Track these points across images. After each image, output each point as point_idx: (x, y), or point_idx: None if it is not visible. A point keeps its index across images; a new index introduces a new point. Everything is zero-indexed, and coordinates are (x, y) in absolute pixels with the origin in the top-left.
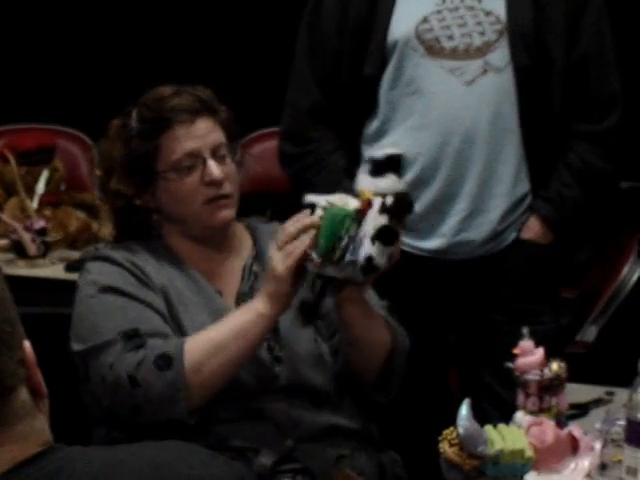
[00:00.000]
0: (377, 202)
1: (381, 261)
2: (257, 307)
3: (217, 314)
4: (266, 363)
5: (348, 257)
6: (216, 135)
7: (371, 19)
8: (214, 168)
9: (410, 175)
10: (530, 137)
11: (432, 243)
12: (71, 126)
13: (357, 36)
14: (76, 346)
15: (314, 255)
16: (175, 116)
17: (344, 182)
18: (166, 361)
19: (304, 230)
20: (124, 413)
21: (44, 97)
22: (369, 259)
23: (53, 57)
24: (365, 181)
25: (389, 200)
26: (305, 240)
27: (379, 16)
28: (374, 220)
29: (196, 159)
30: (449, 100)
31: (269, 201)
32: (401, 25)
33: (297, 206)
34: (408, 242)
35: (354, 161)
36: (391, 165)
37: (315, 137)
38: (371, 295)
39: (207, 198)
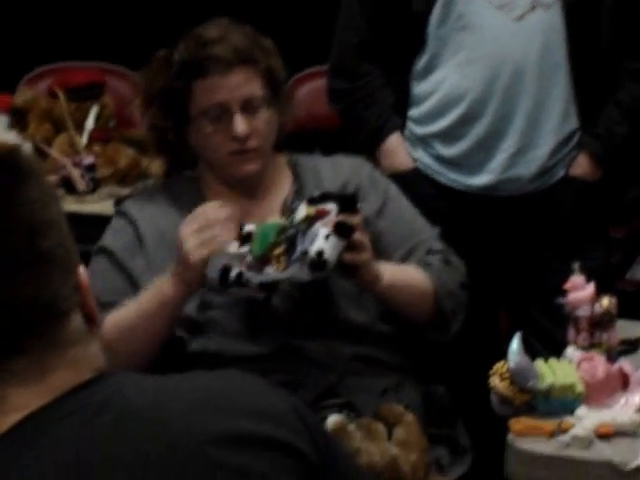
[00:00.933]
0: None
1: (332, 256)
2: (163, 291)
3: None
4: (298, 298)
5: (296, 254)
6: (250, 87)
7: None
8: (239, 124)
9: (458, 111)
10: (579, 74)
11: (481, 179)
12: (120, 64)
13: None
14: None
15: (249, 257)
16: (210, 65)
17: (393, 119)
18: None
19: (223, 221)
20: None
21: (94, 35)
22: (319, 253)
23: None
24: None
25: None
26: (223, 232)
27: None
28: (326, 222)
29: (224, 111)
30: (498, 36)
31: (317, 139)
32: None
33: (345, 143)
34: (456, 179)
35: (403, 98)
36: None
37: (364, 72)
38: (418, 228)
39: (231, 151)
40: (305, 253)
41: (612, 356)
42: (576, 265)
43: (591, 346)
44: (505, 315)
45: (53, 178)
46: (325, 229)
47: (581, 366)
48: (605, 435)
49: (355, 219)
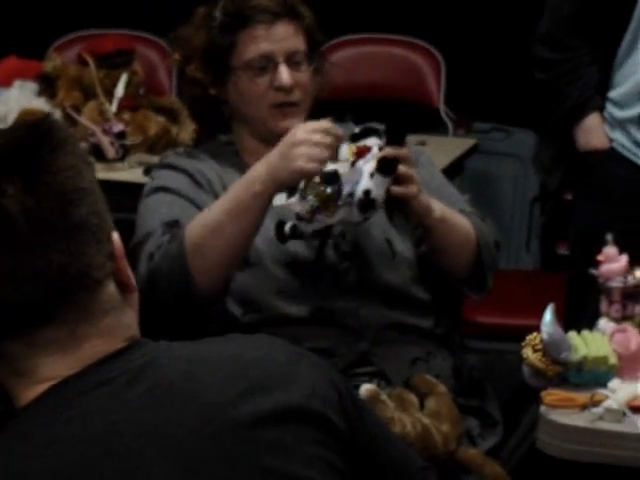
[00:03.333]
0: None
1: (379, 194)
2: (252, 186)
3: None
4: (333, 260)
5: (343, 195)
6: (294, 41)
7: None
8: (284, 74)
9: None
10: None
11: None
12: (149, 32)
13: None
14: (130, 246)
15: (298, 207)
16: (255, 15)
17: (595, 98)
18: (173, 237)
19: (335, 139)
20: (144, 291)
21: (123, 2)
22: (367, 192)
23: None
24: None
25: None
26: (329, 150)
27: None
28: (369, 159)
29: (269, 62)
30: None
31: (349, 108)
32: None
33: (382, 114)
34: None
35: (605, 79)
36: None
37: (573, 46)
38: (449, 192)
39: (274, 103)
40: (352, 195)
41: None
42: (609, 236)
43: (624, 318)
44: None
45: (82, 145)
46: (369, 167)
47: (614, 338)
48: (638, 408)
49: (398, 151)
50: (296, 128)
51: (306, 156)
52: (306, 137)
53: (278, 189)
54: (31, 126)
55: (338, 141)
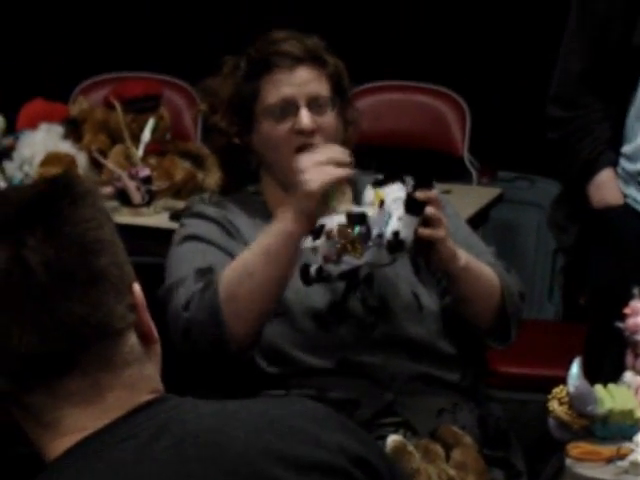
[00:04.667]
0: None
1: (408, 235)
2: (284, 227)
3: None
4: (360, 313)
5: (372, 238)
6: (317, 86)
7: None
8: (305, 117)
9: None
10: None
11: None
12: (177, 77)
13: (626, 5)
14: (160, 292)
15: (325, 248)
16: (277, 60)
17: (608, 153)
18: (207, 285)
19: (343, 165)
20: (178, 341)
21: (151, 47)
22: (396, 233)
23: (162, 6)
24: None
25: (409, 181)
26: (342, 171)
27: None
28: (395, 200)
29: (291, 106)
30: None
31: (374, 154)
32: None
33: (407, 162)
34: None
35: (618, 134)
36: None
37: (584, 103)
38: (474, 243)
39: (296, 146)
40: (381, 236)
41: None
42: (636, 290)
43: None
44: None
45: (109, 190)
46: (397, 208)
47: None
48: None
49: (427, 193)
50: (300, 158)
51: (311, 177)
52: (306, 162)
53: (308, 223)
54: (51, 180)
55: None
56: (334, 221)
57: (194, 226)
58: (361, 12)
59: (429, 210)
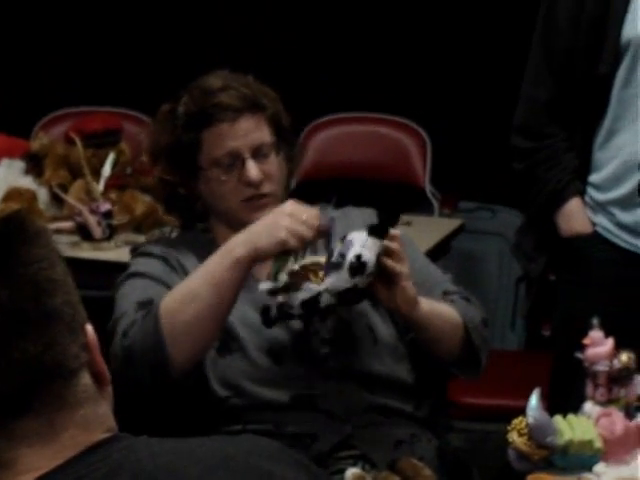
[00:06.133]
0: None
1: (371, 258)
2: (235, 253)
3: (259, 304)
4: (313, 346)
5: (334, 260)
6: (259, 134)
7: (605, 17)
8: (252, 169)
9: (638, 177)
10: None
11: None
12: (137, 110)
13: (590, 34)
14: (107, 329)
15: (284, 278)
16: (218, 113)
17: (575, 182)
18: (148, 312)
19: (315, 228)
20: (119, 369)
21: (110, 81)
22: (358, 256)
23: (119, 40)
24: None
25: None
26: (312, 233)
27: (613, 14)
28: (358, 233)
29: (236, 158)
30: None
31: (335, 187)
32: (635, 24)
33: (368, 194)
34: (636, 243)
35: (584, 163)
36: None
37: (550, 133)
38: (431, 271)
39: (245, 197)
40: (342, 257)
41: (630, 412)
42: (595, 320)
43: (609, 402)
44: None
45: (69, 224)
46: (360, 237)
47: (599, 422)
48: None
49: (390, 231)
50: (287, 202)
51: (291, 229)
52: (295, 212)
53: (256, 257)
54: (4, 219)
55: (319, 234)
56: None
57: (138, 264)
58: (321, 44)
59: (392, 243)
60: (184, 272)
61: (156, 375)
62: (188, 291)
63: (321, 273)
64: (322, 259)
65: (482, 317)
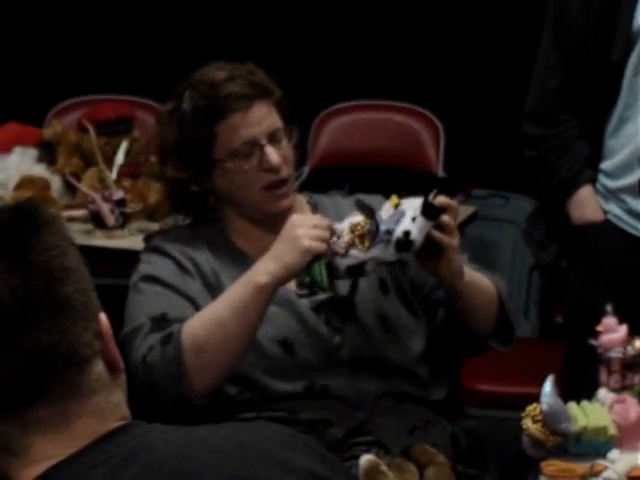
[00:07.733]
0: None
1: (418, 237)
2: (257, 279)
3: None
4: (324, 335)
5: (382, 232)
6: (272, 119)
7: (617, 5)
8: (272, 154)
9: None
10: None
11: None
12: (149, 98)
13: (602, 21)
14: (120, 338)
15: (338, 243)
16: (230, 104)
17: (586, 170)
18: (168, 338)
19: (328, 227)
20: (145, 393)
21: (123, 68)
22: (406, 232)
23: (132, 28)
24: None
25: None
26: (327, 231)
27: (624, 2)
28: (412, 204)
29: (254, 146)
30: None
31: (348, 174)
32: None
33: (381, 181)
34: None
35: (595, 151)
36: None
37: (561, 120)
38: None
39: (266, 184)
40: (390, 232)
41: None
42: (609, 307)
43: (623, 388)
44: None
45: (83, 212)
46: (412, 211)
47: (613, 409)
48: (637, 478)
49: (447, 200)
50: (291, 217)
51: (310, 235)
52: (303, 221)
53: (288, 276)
54: (15, 207)
55: (330, 231)
56: (344, 222)
57: (151, 264)
58: (336, 31)
59: (445, 217)
60: (199, 271)
61: (178, 402)
62: (212, 321)
63: (367, 241)
64: (360, 219)
65: (507, 289)
